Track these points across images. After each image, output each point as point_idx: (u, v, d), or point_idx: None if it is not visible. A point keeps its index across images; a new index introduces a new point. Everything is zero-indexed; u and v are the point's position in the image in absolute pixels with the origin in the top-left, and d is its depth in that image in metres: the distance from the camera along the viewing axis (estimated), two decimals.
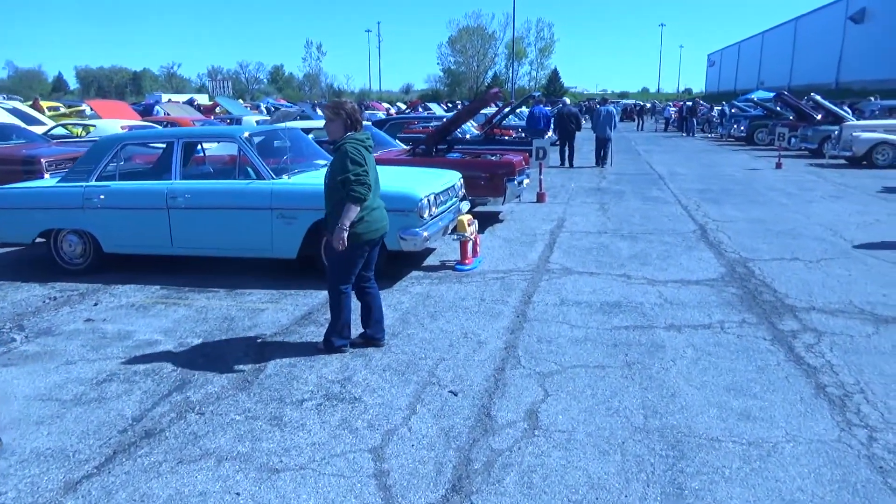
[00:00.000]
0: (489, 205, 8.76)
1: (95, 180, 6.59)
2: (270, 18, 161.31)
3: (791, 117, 23.33)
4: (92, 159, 6.69)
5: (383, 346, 4.58)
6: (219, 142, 7.92)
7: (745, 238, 8.05)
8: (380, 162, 8.63)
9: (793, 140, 20.65)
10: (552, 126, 20.34)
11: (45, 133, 14.45)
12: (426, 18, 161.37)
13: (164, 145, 7.08)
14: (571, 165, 17.79)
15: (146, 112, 25.72)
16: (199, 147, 7.88)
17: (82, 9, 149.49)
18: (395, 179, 6.31)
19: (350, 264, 4.26)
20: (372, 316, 4.56)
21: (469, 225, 6.65)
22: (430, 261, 7.07)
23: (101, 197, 6.49)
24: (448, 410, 3.59)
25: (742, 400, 3.67)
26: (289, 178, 6.24)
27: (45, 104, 24.94)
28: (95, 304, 5.79)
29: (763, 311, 5.22)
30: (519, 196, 9.22)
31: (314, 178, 6.26)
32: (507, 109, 14.87)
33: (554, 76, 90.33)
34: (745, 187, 12.90)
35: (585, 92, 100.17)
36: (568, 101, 21.24)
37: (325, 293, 5.84)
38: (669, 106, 45.34)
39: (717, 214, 9.78)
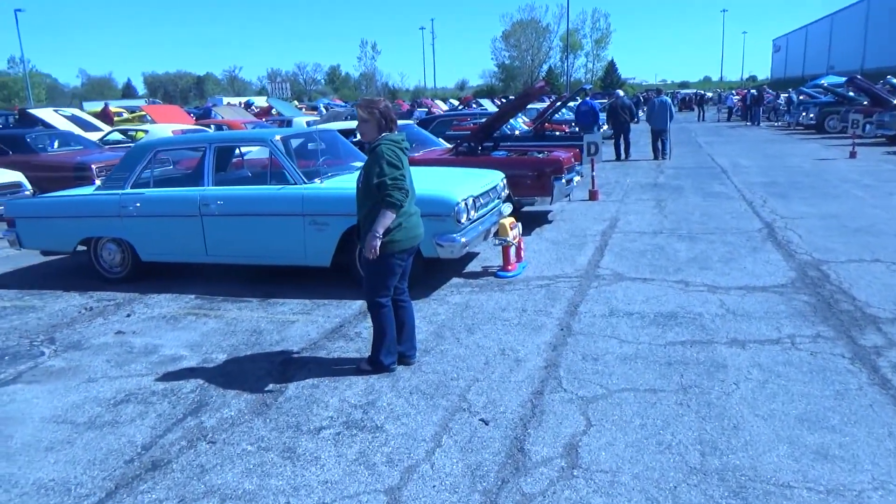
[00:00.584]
0: (536, 205, 8.32)
1: (131, 188, 6.50)
2: (327, 20, 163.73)
3: (865, 103, 21.89)
4: (127, 166, 6.60)
5: (413, 365, 4.25)
6: (251, 146, 7.75)
7: (817, 237, 7.37)
8: (421, 162, 8.46)
9: (867, 127, 19.34)
10: (602, 119, 19.63)
11: (102, 139, 14.74)
12: (480, 13, 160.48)
13: (198, 151, 6.94)
14: (627, 158, 17.27)
15: (206, 115, 26.21)
16: (236, 151, 7.74)
17: (150, 17, 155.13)
18: (431, 181, 5.97)
19: (388, 275, 3.94)
20: (404, 332, 4.23)
21: (512, 228, 6.26)
22: (472, 266, 6.70)
23: (137, 205, 6.38)
24: (477, 443, 3.22)
25: (818, 434, 3.18)
26: (321, 182, 5.98)
27: (147, 108, 25.50)
28: (128, 315, 5.67)
29: (840, 323, 4.65)
30: (568, 195, 8.75)
31: (347, 182, 5.98)
32: (558, 104, 14.37)
33: (610, 68, 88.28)
34: (815, 179, 12.02)
35: (644, 83, 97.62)
36: (622, 92, 20.34)
37: (358, 303, 5.57)
38: (732, 94, 43.56)
39: (786, 210, 9.07)
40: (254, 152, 8.79)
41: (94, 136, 14.84)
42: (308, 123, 19.59)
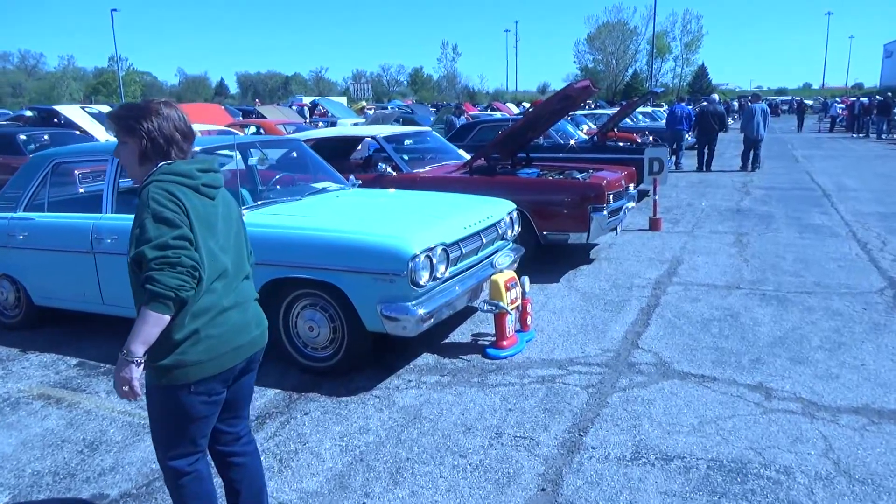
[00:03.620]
0: (571, 240, 6.33)
1: (23, 210, 5.02)
2: (411, 22, 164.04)
3: None
4: (21, 182, 5.12)
5: None
6: None
7: None
8: (422, 182, 6.62)
9: None
10: (692, 126, 17.53)
11: None
12: (564, 15, 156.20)
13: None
14: (709, 170, 15.44)
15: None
16: None
17: (244, 19, 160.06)
18: (383, 218, 4.19)
19: (185, 423, 2.15)
20: None
21: (510, 288, 4.35)
22: (459, 332, 4.84)
23: (24, 234, 4.89)
24: None
25: None
26: (244, 213, 4.25)
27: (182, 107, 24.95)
28: None
29: None
30: (615, 228, 6.72)
31: (286, 214, 4.27)
32: (619, 110, 12.25)
33: (701, 72, 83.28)
34: None
35: (738, 89, 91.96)
36: (716, 97, 18.02)
37: (273, 393, 3.84)
38: (836, 102, 39.36)
39: None
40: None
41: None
42: (353, 125, 18.17)
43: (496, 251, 4.83)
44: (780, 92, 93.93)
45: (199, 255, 2.00)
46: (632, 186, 7.51)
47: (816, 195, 11.35)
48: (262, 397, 3.85)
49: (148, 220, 1.94)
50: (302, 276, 3.92)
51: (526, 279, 4.65)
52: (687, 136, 17.47)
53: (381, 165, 6.62)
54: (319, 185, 5.25)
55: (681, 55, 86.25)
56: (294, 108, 35.56)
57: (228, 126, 16.35)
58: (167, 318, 1.92)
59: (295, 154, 5.74)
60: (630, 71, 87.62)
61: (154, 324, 1.91)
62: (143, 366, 1.96)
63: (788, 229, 8.41)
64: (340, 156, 8.01)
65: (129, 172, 2.17)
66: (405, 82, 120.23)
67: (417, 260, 3.70)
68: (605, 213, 6.08)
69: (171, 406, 2.08)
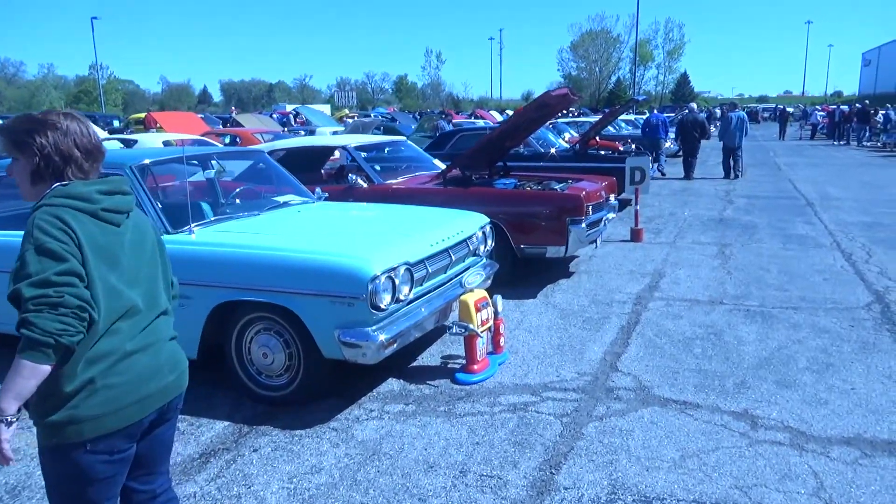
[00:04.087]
0: (549, 254, 6.08)
1: None
2: (396, 29, 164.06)
3: None
4: None
5: None
6: (103, 173, 5.47)
7: None
8: (394, 194, 6.32)
9: None
10: (673, 135, 17.46)
11: None
12: (547, 23, 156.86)
13: None
14: (691, 178, 15.47)
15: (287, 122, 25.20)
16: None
17: (227, 27, 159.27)
18: (343, 235, 3.92)
19: (84, 487, 1.82)
20: None
21: (479, 309, 4.09)
22: (429, 354, 4.57)
23: None
24: None
25: None
26: (193, 231, 3.96)
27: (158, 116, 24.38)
28: None
29: None
30: (595, 241, 6.49)
31: (238, 231, 3.98)
32: (601, 118, 12.07)
33: (683, 80, 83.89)
34: None
35: (720, 96, 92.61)
36: (695, 106, 17.99)
37: (222, 425, 3.55)
38: (817, 110, 39.62)
39: None
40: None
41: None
42: (332, 134, 17.87)
43: (468, 268, 4.56)
44: (762, 99, 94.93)
45: (92, 292, 1.71)
46: (612, 197, 7.29)
47: (800, 204, 11.22)
48: (210, 431, 3.55)
49: (30, 251, 1.65)
50: (253, 300, 3.64)
51: (498, 298, 4.38)
52: (667, 143, 17.44)
53: (352, 177, 6.34)
54: (282, 199, 4.96)
55: (663, 63, 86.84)
56: (276, 116, 35.25)
57: (204, 135, 16.01)
58: (46, 368, 1.63)
59: (260, 166, 5.44)
60: (613, 78, 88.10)
61: (29, 376, 1.61)
62: (14, 426, 1.65)
63: (772, 240, 8.23)
64: (312, 166, 7.73)
65: (23, 193, 1.89)
66: (390, 90, 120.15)
67: (378, 282, 3.43)
68: (583, 225, 5.84)
69: (65, 469, 1.78)
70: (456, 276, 4.36)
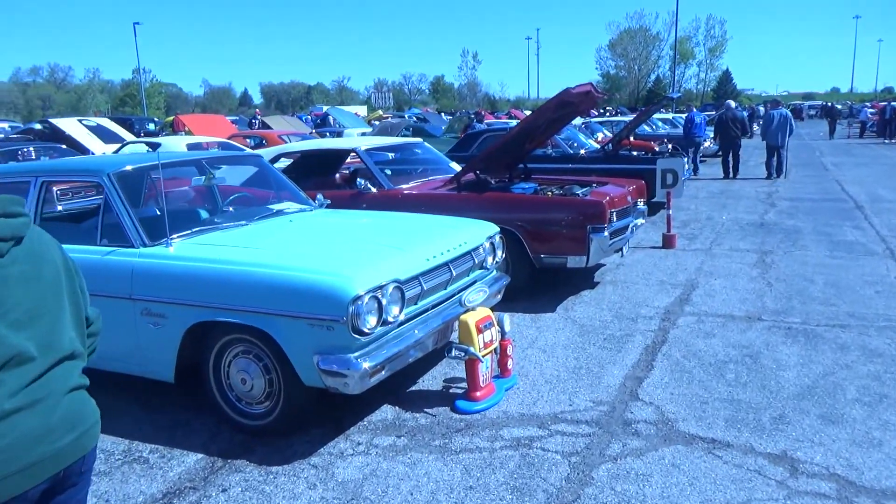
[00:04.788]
0: (570, 264, 5.63)
1: None
2: (434, 31, 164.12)
3: None
4: None
5: None
6: (81, 181, 5.10)
7: None
8: (404, 200, 5.92)
9: None
10: (711, 133, 16.82)
11: (115, 152, 13.29)
12: (585, 22, 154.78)
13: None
14: (735, 177, 14.94)
15: (323, 123, 25.31)
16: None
17: (268, 30, 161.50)
18: (330, 248, 3.56)
19: None
20: None
21: (482, 330, 3.69)
22: (430, 377, 4.18)
23: None
24: None
25: None
26: (171, 244, 3.65)
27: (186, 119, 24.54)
28: None
29: None
30: (621, 250, 6.02)
31: (214, 245, 3.66)
32: (635, 117, 11.52)
33: (725, 77, 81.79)
34: None
35: (764, 94, 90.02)
36: (733, 103, 17.26)
37: (194, 458, 3.22)
38: (866, 107, 37.93)
39: None
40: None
41: (110, 148, 13.49)
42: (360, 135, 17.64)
43: (473, 282, 4.17)
44: (808, 96, 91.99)
45: None
46: (641, 202, 6.80)
47: (848, 207, 10.49)
48: (180, 465, 3.23)
49: None
50: (227, 321, 3.31)
51: (505, 317, 3.97)
52: (706, 143, 16.77)
53: (361, 181, 6.00)
54: (277, 207, 4.63)
55: (705, 60, 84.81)
56: (310, 118, 35.31)
57: (230, 137, 15.92)
58: None
59: (257, 171, 5.14)
60: (653, 77, 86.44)
61: None
62: None
63: (817, 247, 7.61)
64: (328, 170, 7.43)
65: None
66: (427, 91, 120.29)
67: (360, 303, 3.05)
68: (605, 233, 5.38)
69: None
70: (459, 291, 3.97)
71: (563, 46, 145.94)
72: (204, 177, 4.48)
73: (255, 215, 4.33)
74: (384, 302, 3.20)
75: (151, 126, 27.81)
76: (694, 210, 10.67)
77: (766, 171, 15.04)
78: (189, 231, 3.87)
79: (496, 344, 3.85)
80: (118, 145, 13.55)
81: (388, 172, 6.35)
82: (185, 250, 3.61)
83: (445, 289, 3.82)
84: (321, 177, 7.06)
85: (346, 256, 3.41)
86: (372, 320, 3.14)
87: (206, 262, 3.43)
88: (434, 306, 3.73)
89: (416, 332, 3.48)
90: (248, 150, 11.12)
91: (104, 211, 3.87)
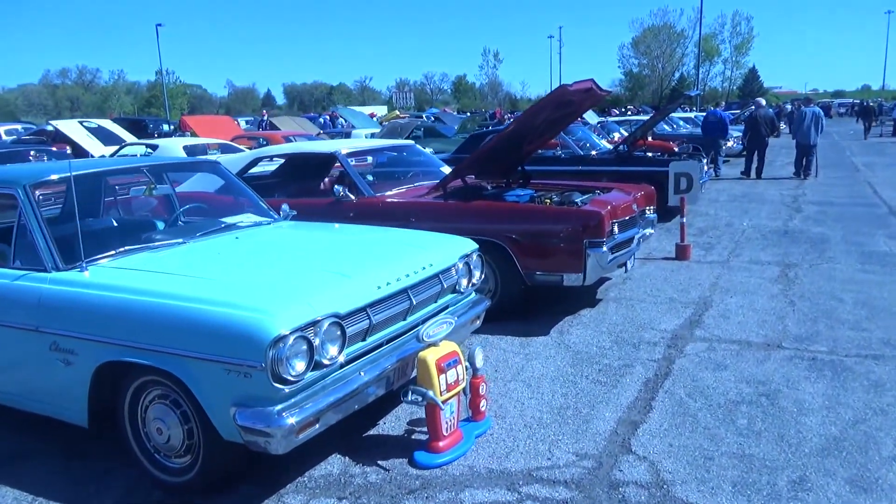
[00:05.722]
0: (567, 282, 5.04)
1: None
2: (455, 30, 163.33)
3: None
4: None
5: None
6: None
7: None
8: (385, 208, 5.24)
9: None
10: (739, 133, 16.04)
11: (113, 155, 12.97)
12: (609, 20, 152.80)
13: None
14: (759, 177, 14.36)
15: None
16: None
17: (292, 31, 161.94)
18: (264, 274, 3.04)
19: None
20: None
21: (444, 370, 3.13)
22: (397, 415, 3.64)
23: None
24: None
25: None
26: (87, 269, 3.15)
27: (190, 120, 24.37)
28: None
29: None
30: (625, 265, 5.43)
31: (133, 270, 3.16)
32: (651, 116, 10.86)
33: (751, 75, 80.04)
34: None
35: (793, 91, 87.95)
36: (763, 101, 16.59)
37: None
38: None
39: None
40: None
41: (110, 150, 13.22)
42: (368, 136, 17.18)
43: (445, 307, 3.62)
44: (838, 94, 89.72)
45: None
46: (649, 209, 6.19)
47: (881, 213, 9.73)
48: None
49: None
50: (136, 361, 2.80)
51: (478, 351, 3.41)
52: (728, 143, 16.07)
53: (338, 189, 5.48)
54: (231, 220, 4.13)
55: (730, 58, 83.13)
56: (328, 118, 34.97)
57: (234, 139, 15.56)
58: None
59: (213, 178, 4.64)
60: (677, 75, 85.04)
61: None
62: None
63: (847, 258, 6.92)
64: (316, 175, 6.92)
65: None
66: (449, 90, 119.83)
67: (283, 345, 2.52)
68: (604, 248, 4.79)
69: None
70: (425, 321, 3.42)
71: (586, 45, 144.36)
72: (145, 187, 3.98)
73: (199, 231, 3.81)
74: (317, 342, 2.66)
75: (166, 127, 27.64)
76: (713, 215, 10.00)
77: (794, 170, 14.62)
78: (114, 252, 3.37)
79: (464, 384, 3.29)
80: (116, 147, 13.24)
81: (370, 178, 5.83)
82: (102, 276, 3.12)
83: (405, 319, 3.28)
84: (305, 182, 6.56)
85: (277, 286, 2.87)
86: (299, 365, 2.60)
87: (118, 292, 2.93)
88: (390, 340, 3.19)
89: (362, 374, 2.94)
90: (208, 156, 10.70)
91: (18, 228, 3.39)
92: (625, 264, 5.43)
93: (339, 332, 2.78)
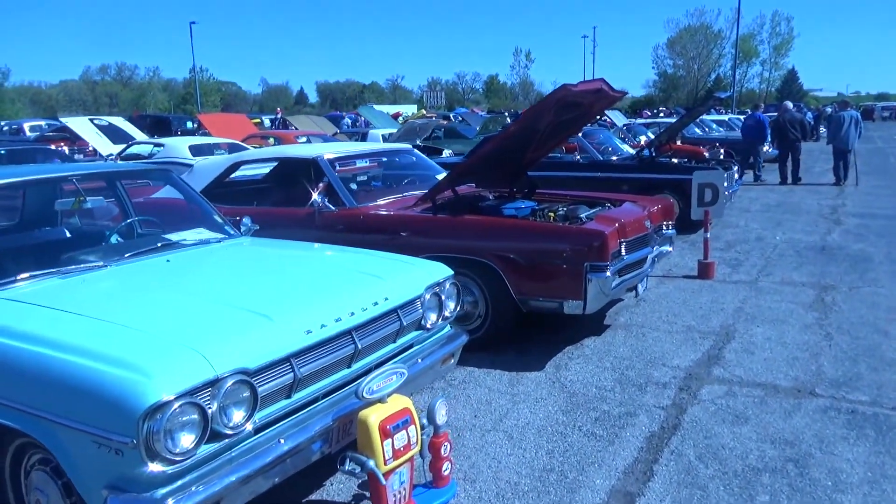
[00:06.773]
0: (567, 310, 4.41)
1: None
2: (488, 30, 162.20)
3: None
4: None
5: None
6: None
7: None
8: (367, 221, 4.71)
9: None
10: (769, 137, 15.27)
11: (120, 153, 12.67)
12: (642, 20, 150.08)
13: None
14: (796, 182, 13.83)
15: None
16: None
17: (326, 29, 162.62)
18: (165, 312, 2.50)
19: None
20: None
21: (390, 433, 2.55)
22: (340, 485, 3.08)
23: None
24: None
25: None
26: None
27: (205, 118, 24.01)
28: None
29: None
30: (635, 289, 4.79)
31: (26, 304, 2.66)
32: (679, 119, 10.15)
33: (791, 77, 77.80)
34: None
35: (835, 94, 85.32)
36: (790, 104, 15.68)
37: None
38: None
39: None
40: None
41: (118, 148, 12.95)
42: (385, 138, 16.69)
43: (404, 349, 3.05)
44: (881, 97, 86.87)
45: None
46: (667, 224, 5.53)
47: None
48: None
49: None
50: (2, 422, 2.28)
51: (440, 404, 2.82)
52: (765, 147, 15.24)
53: (317, 199, 4.95)
54: (176, 236, 3.61)
55: (769, 59, 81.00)
56: (356, 116, 34.61)
57: (247, 138, 15.19)
58: None
59: (163, 188, 4.14)
60: (713, 76, 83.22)
61: None
62: None
63: (892, 282, 6.17)
64: (298, 182, 6.39)
65: None
66: (480, 90, 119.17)
67: (162, 416, 1.97)
68: (608, 273, 4.15)
69: None
70: (380, 364, 2.85)
71: (620, 45, 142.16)
72: (73, 200, 3.48)
73: (129, 251, 3.30)
74: (213, 408, 2.11)
75: (189, 125, 27.55)
76: (743, 227, 9.25)
77: (833, 178, 13.86)
78: (11, 279, 2.86)
79: (418, 447, 2.71)
80: (124, 145, 12.95)
81: (355, 187, 5.29)
82: None
83: (349, 366, 2.71)
84: (287, 190, 6.03)
85: (173, 333, 2.32)
86: (187, 440, 2.05)
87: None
88: (327, 394, 2.63)
89: (281, 441, 2.37)
90: (150, 160, 10.30)
91: None
92: (635, 288, 4.80)
93: (247, 393, 2.22)
